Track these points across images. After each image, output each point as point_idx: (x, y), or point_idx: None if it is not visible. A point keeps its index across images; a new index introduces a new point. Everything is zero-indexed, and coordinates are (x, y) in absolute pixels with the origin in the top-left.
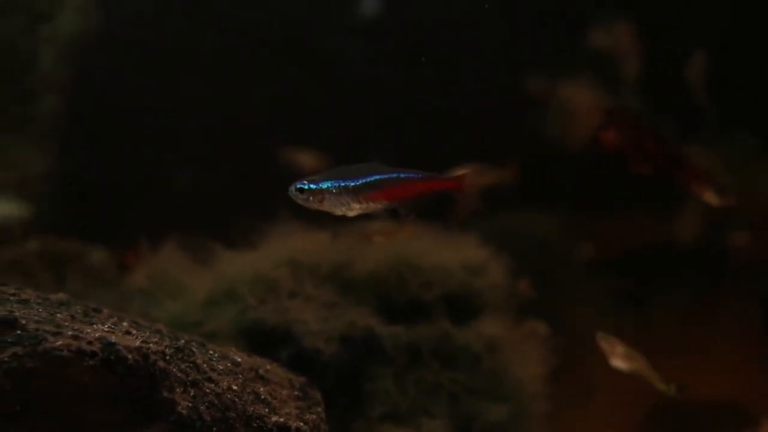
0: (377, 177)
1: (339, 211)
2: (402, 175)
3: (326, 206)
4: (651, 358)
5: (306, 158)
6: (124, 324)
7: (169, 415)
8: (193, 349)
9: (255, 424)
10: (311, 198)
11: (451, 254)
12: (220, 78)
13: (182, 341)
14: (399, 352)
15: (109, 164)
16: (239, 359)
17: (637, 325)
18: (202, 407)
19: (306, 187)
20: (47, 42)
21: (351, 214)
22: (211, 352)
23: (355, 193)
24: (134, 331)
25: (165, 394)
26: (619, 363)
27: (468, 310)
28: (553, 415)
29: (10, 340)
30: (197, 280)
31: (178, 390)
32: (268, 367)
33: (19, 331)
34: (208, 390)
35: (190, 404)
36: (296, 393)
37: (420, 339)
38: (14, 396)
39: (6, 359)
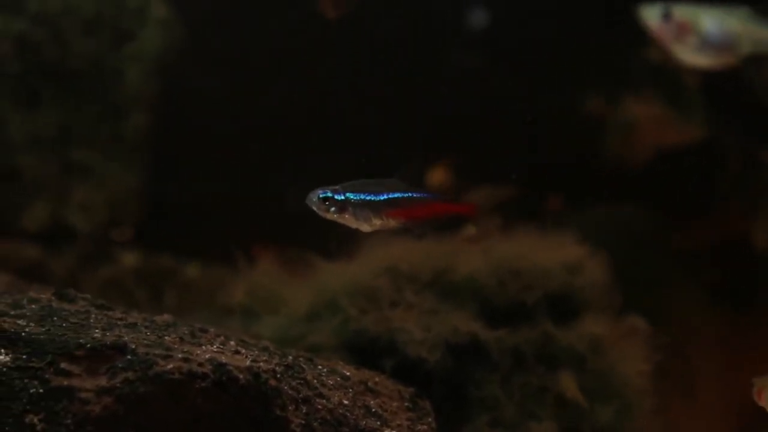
0: (399, 195)
1: (356, 225)
2: (421, 196)
3: (346, 218)
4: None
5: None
6: (232, 343)
7: None
8: (302, 365)
9: None
10: (333, 208)
11: (549, 254)
12: (308, 88)
13: (290, 358)
14: (503, 357)
15: (198, 178)
16: (348, 373)
17: (736, 323)
18: (315, 424)
19: (330, 196)
20: (132, 59)
21: (367, 229)
22: (319, 367)
23: (378, 208)
24: (243, 350)
25: (278, 412)
26: None
27: (569, 310)
28: (658, 412)
29: (121, 365)
30: (296, 292)
31: (290, 408)
32: (377, 379)
33: (129, 356)
34: (319, 406)
35: (303, 421)
36: (406, 404)
37: (523, 342)
38: (128, 421)
39: (118, 385)
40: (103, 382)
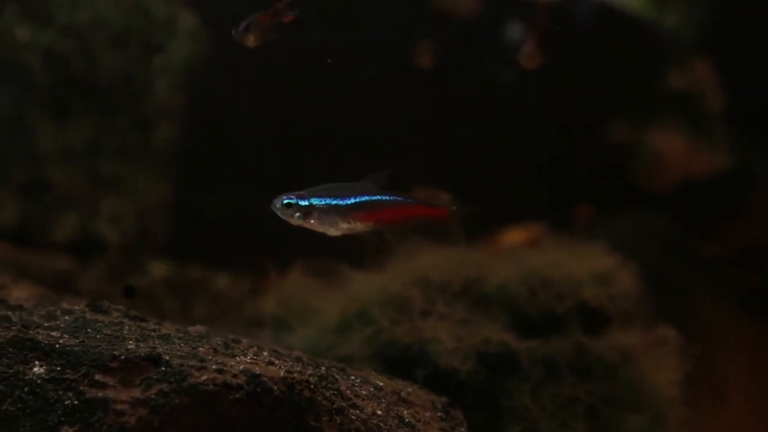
0: (367, 198)
1: (322, 230)
2: (391, 199)
3: (312, 224)
4: None
5: None
6: (265, 353)
7: None
8: (335, 375)
9: None
10: (298, 214)
11: (580, 264)
12: (338, 97)
13: (323, 368)
14: (535, 367)
15: (227, 189)
16: (381, 383)
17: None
18: None
19: (294, 202)
20: (161, 71)
21: (335, 233)
22: (352, 377)
23: (345, 212)
24: (276, 361)
25: (312, 423)
26: None
27: (600, 319)
28: (690, 421)
29: (155, 377)
30: (327, 303)
31: (324, 418)
32: (410, 389)
33: (163, 368)
34: (353, 417)
35: None
36: (439, 414)
37: (555, 352)
38: None
39: (153, 396)
40: (137, 393)
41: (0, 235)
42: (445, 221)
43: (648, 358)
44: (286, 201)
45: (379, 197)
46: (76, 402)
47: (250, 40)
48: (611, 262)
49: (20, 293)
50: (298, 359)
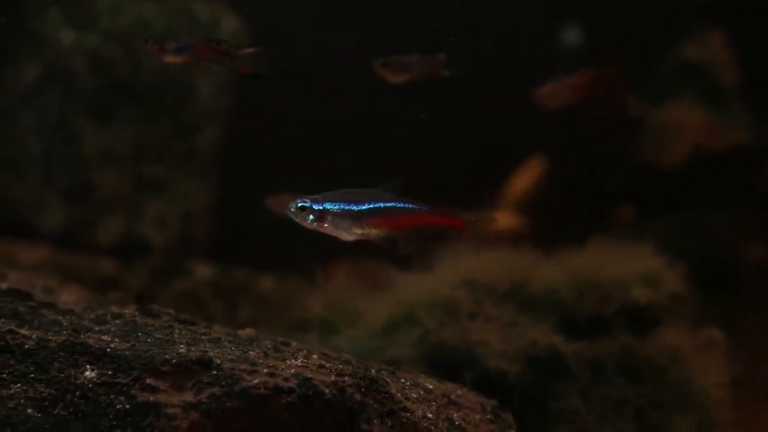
0: (382, 204)
1: (336, 234)
2: (406, 206)
3: (326, 228)
4: None
5: None
6: (315, 356)
7: None
8: (386, 378)
9: None
10: (311, 217)
11: (628, 266)
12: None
13: (373, 371)
14: (583, 369)
15: (270, 191)
16: (430, 386)
17: None
18: None
19: (308, 205)
20: (204, 74)
21: (349, 239)
22: (402, 380)
23: (359, 218)
24: (327, 364)
25: (364, 426)
26: None
27: (648, 321)
28: (738, 424)
29: (207, 380)
30: (374, 305)
31: (375, 421)
32: (459, 392)
33: (215, 371)
34: (404, 419)
35: None
36: (488, 417)
37: (603, 354)
38: None
39: (205, 400)
40: (189, 397)
41: (46, 239)
42: (461, 231)
43: (695, 360)
44: (300, 204)
45: (394, 204)
46: (127, 406)
47: (168, 58)
48: (658, 263)
49: (68, 297)
50: (348, 362)
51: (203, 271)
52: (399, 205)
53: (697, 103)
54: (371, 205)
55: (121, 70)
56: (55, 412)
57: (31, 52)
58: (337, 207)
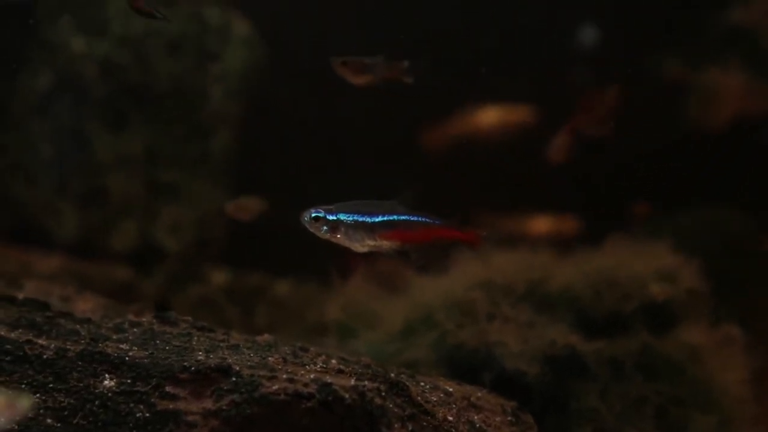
0: (396, 217)
1: (349, 245)
2: (420, 219)
3: (339, 238)
4: None
5: None
6: (333, 361)
7: None
8: (406, 382)
9: None
10: (325, 228)
11: (645, 263)
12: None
13: (392, 375)
14: (602, 368)
15: (284, 195)
16: (450, 389)
17: None
18: None
19: (322, 216)
20: (216, 78)
21: (361, 250)
22: (422, 383)
23: (372, 230)
24: (346, 369)
25: (385, 431)
26: None
27: (666, 319)
28: (758, 420)
29: (226, 387)
30: (391, 308)
31: (396, 426)
32: (479, 394)
33: (234, 378)
34: (425, 423)
35: None
36: (509, 418)
37: (621, 352)
38: None
39: (224, 407)
40: (209, 404)
41: (61, 246)
42: (475, 245)
43: (715, 357)
44: (314, 215)
45: (407, 217)
46: (147, 414)
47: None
48: (676, 260)
49: (85, 305)
50: (367, 366)
51: (218, 276)
52: (413, 219)
53: (742, 68)
54: (385, 218)
55: (133, 76)
56: (75, 421)
57: (43, 59)
58: (350, 218)
